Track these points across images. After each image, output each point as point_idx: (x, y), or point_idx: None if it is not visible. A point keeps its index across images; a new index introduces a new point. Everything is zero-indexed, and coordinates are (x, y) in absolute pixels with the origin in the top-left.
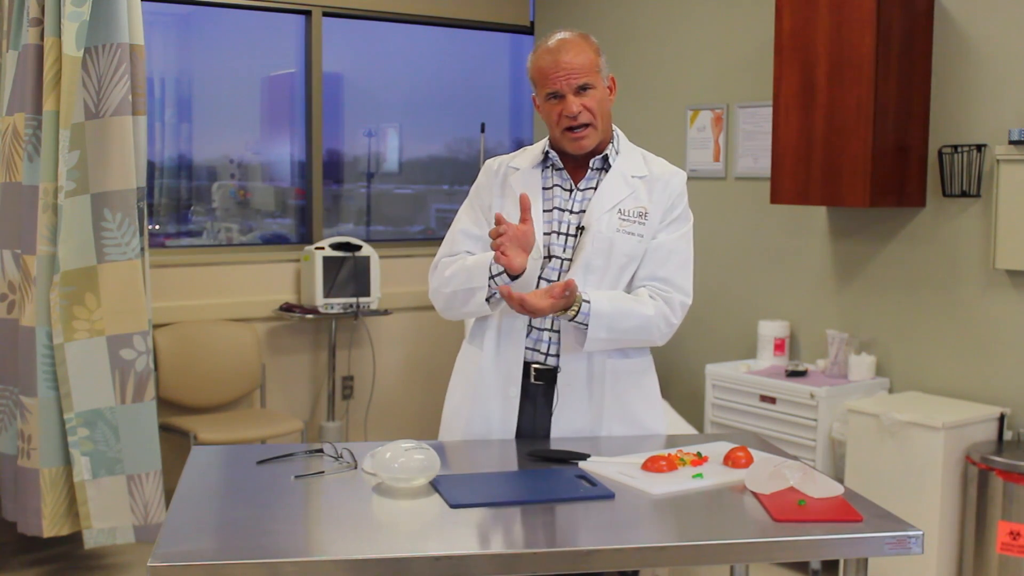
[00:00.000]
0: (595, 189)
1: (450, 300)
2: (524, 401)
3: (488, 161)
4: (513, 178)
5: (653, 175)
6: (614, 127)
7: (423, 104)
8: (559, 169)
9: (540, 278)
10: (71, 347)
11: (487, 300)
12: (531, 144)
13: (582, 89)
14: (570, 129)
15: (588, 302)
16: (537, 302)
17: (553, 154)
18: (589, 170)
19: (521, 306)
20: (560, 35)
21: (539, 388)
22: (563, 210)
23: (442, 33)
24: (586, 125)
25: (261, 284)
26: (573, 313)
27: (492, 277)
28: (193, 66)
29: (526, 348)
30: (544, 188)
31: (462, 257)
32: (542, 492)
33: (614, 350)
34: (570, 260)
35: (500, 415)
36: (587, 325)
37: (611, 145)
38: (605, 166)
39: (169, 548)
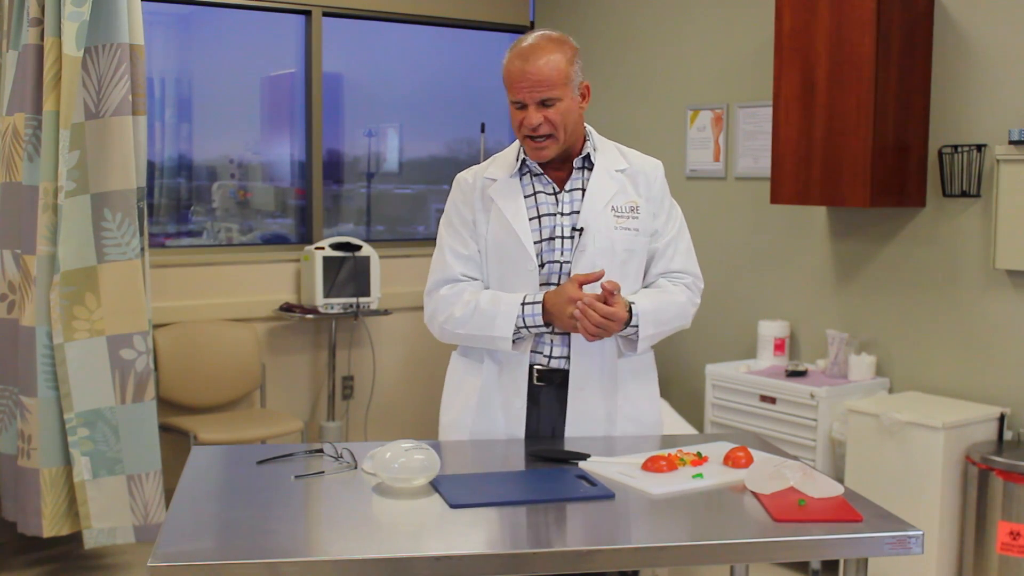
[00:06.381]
0: (582, 189)
1: (462, 339)
2: (528, 404)
3: (459, 175)
4: (491, 190)
5: (634, 167)
6: (586, 125)
7: (423, 104)
8: (538, 175)
9: (541, 286)
10: (71, 347)
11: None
12: None
13: (546, 102)
14: (531, 138)
15: (633, 303)
16: (621, 313)
17: (532, 162)
18: (573, 170)
19: (601, 327)
20: (534, 39)
21: (541, 389)
22: (553, 214)
23: (442, 33)
24: (547, 136)
25: (261, 284)
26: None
27: (525, 327)
28: (193, 66)
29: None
30: (525, 196)
31: (469, 291)
32: (542, 492)
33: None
34: (570, 263)
35: (504, 427)
36: (637, 326)
37: (588, 143)
38: (588, 164)
39: (169, 548)
